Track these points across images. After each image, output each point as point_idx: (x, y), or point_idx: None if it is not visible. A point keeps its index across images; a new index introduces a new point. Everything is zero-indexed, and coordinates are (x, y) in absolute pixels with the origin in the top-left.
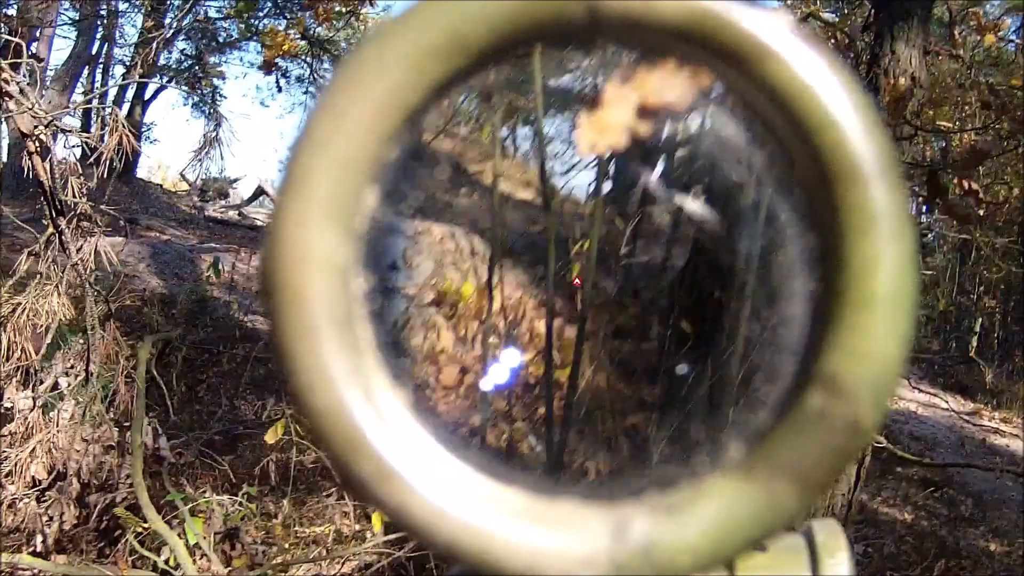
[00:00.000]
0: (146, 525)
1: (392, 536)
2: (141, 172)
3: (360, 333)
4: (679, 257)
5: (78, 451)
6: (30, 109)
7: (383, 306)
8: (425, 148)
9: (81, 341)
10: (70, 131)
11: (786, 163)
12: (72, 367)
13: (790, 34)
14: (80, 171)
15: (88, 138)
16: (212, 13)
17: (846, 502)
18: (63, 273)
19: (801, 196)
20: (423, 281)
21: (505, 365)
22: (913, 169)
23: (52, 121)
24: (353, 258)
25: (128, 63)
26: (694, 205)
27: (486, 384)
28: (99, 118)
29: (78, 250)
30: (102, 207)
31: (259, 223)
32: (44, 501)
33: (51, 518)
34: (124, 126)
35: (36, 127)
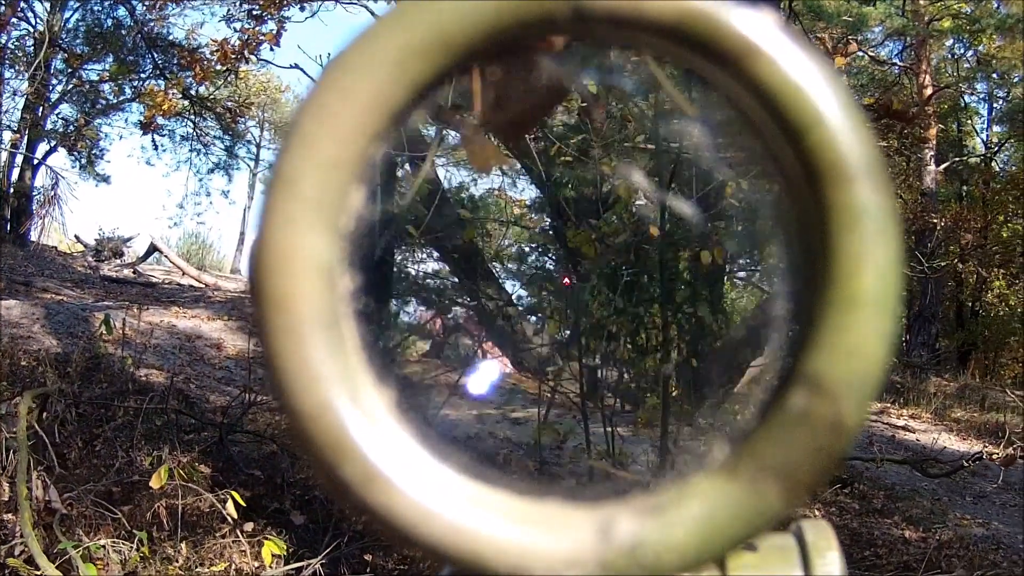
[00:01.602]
0: (40, 573)
1: (287, 568)
2: (35, 235)
3: (346, 333)
4: None
5: None
6: None
7: (368, 306)
8: None
9: None
10: None
11: (772, 162)
12: None
13: (778, 33)
14: None
15: None
16: (93, 77)
17: None
18: None
19: (787, 195)
20: None
21: (485, 376)
22: None
23: None
24: (339, 258)
25: (14, 129)
26: (678, 203)
27: (469, 390)
28: None
29: None
30: None
31: (154, 280)
32: None
33: None
34: None
35: None
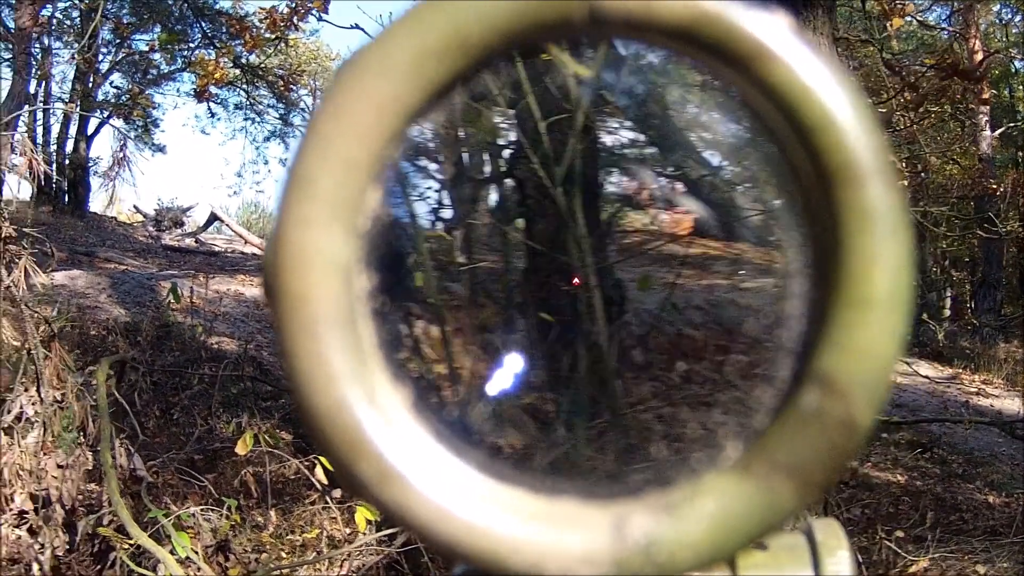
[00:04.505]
0: (132, 542)
1: (381, 534)
2: (95, 206)
3: (362, 332)
4: (518, 260)
5: (55, 477)
6: None
7: (385, 305)
8: None
9: (32, 365)
10: None
11: (784, 162)
12: (27, 390)
13: (789, 35)
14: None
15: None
16: (142, 47)
17: None
18: None
19: (799, 195)
20: None
21: (509, 371)
22: None
23: None
24: (356, 257)
25: (66, 100)
26: (689, 202)
27: (492, 389)
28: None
29: (8, 273)
30: (26, 228)
31: (216, 248)
32: (29, 529)
33: (42, 546)
34: (31, 150)
35: None
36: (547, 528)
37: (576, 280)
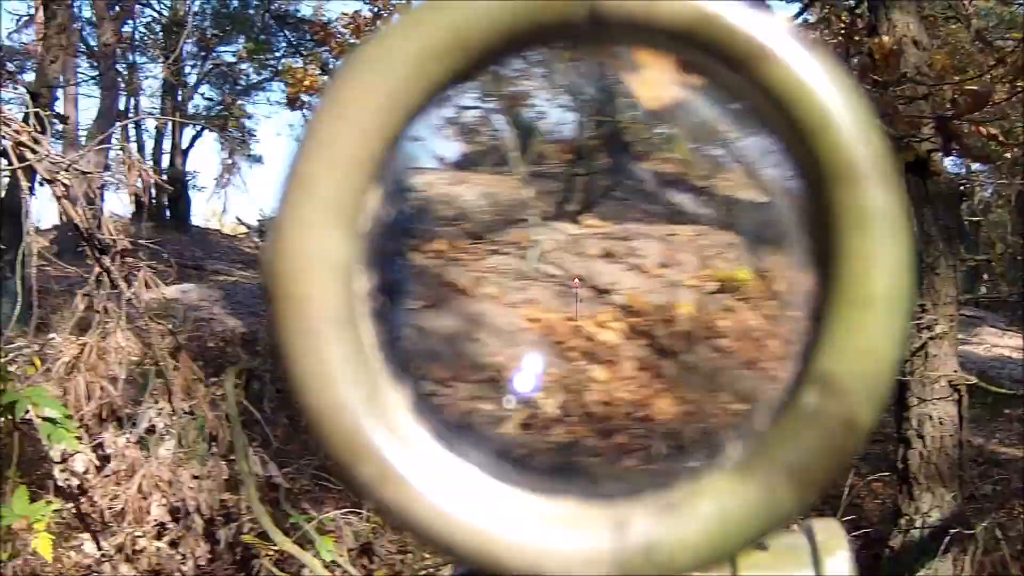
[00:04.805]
0: (276, 549)
1: None
2: (196, 220)
3: (362, 333)
4: None
5: (191, 488)
6: (47, 156)
7: (385, 305)
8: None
9: (160, 378)
10: (89, 173)
11: (784, 163)
12: (156, 403)
13: (788, 36)
14: (103, 212)
15: (106, 176)
16: (229, 58)
17: (956, 443)
18: (120, 309)
19: (799, 196)
20: (696, 273)
21: (530, 371)
22: (924, 121)
23: (71, 165)
24: (356, 257)
25: (157, 115)
26: (688, 202)
27: (509, 400)
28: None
29: (129, 286)
30: (141, 240)
31: None
32: (170, 541)
33: (184, 557)
34: (140, 161)
35: (57, 172)
36: (547, 528)
37: (576, 282)
